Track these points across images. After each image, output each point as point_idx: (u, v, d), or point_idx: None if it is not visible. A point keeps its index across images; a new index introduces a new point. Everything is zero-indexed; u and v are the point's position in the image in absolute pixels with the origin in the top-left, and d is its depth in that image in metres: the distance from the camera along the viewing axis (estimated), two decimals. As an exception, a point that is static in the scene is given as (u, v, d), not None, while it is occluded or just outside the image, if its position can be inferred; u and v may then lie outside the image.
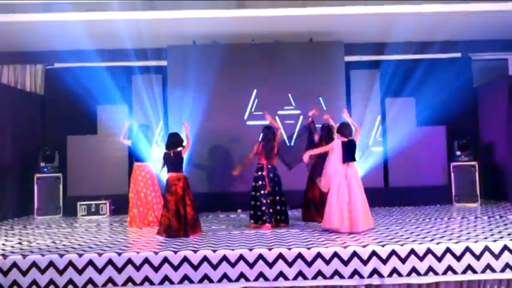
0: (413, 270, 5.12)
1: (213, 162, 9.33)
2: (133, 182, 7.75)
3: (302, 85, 9.39)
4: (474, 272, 5.12)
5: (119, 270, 5.10)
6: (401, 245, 5.23)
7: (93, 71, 9.82)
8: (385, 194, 9.26)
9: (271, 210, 6.89)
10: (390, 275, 5.11)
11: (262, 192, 6.91)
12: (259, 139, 7.29)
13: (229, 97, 9.41)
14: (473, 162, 9.16)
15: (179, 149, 6.63)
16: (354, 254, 5.14)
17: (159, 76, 9.68)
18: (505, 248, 5.16)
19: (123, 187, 9.14)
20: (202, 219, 7.95)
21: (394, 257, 5.13)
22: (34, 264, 5.12)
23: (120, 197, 8.91)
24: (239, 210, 8.90)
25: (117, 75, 9.71)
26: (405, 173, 9.38)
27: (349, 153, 6.49)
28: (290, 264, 5.12)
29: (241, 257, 5.14)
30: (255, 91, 9.44)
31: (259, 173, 6.99)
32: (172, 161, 6.56)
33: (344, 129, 6.61)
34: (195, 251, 5.20)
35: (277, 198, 7.02)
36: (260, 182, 6.95)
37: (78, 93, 9.62)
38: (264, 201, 6.89)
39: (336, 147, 6.51)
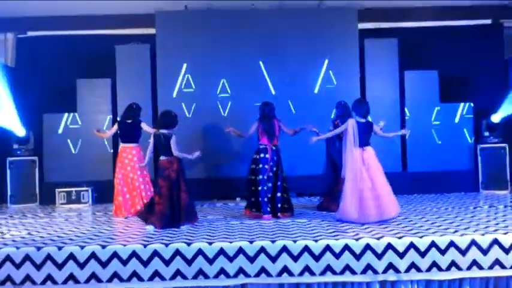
0: (434, 265, 5.15)
1: (208, 143, 9.33)
2: (119, 165, 7.77)
3: (309, 56, 9.35)
4: (503, 267, 5.15)
5: (104, 265, 5.14)
6: (421, 237, 5.27)
7: (71, 40, 9.75)
8: (403, 179, 9.26)
9: (265, 199, 6.93)
10: (408, 270, 5.14)
11: (261, 177, 6.93)
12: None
13: (228, 69, 9.38)
14: (503, 144, 9.17)
15: (170, 133, 6.61)
16: (367, 247, 5.16)
17: (146, 46, 9.62)
18: (538, 240, 5.19)
19: (107, 172, 9.17)
20: (197, 209, 7.99)
21: (412, 251, 5.16)
22: (8, 258, 5.15)
23: (103, 184, 8.95)
24: (238, 199, 8.94)
25: (99, 44, 9.64)
26: (426, 156, 9.39)
27: (365, 135, 6.45)
28: (295, 259, 5.16)
29: (240, 250, 5.17)
30: (260, 63, 9.39)
31: (262, 155, 7.00)
32: (162, 145, 6.59)
33: (360, 107, 6.55)
34: (188, 244, 5.24)
35: (279, 183, 7.03)
36: (261, 165, 6.97)
37: (54, 65, 9.59)
38: (260, 187, 6.92)
39: (350, 128, 6.43)
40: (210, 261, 5.16)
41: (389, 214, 6.28)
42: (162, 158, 6.63)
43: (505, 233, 5.30)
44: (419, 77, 9.58)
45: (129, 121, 7.77)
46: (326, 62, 9.39)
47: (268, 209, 6.93)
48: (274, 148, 7.04)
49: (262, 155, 7.01)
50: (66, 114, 9.44)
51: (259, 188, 6.94)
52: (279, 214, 6.96)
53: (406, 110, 9.55)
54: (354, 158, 6.38)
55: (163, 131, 6.59)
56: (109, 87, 9.51)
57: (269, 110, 7.14)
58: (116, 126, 7.92)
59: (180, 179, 6.52)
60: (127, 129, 7.77)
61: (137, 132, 7.81)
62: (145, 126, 7.75)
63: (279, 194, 7.03)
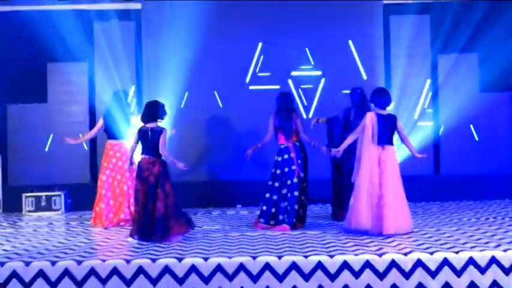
0: (472, 285, 5.14)
1: (203, 139, 9.35)
2: (104, 165, 7.78)
3: (324, 36, 9.34)
4: (554, 288, 5.16)
5: (79, 284, 5.13)
6: (456, 252, 5.27)
7: (41, 17, 9.74)
8: (436, 183, 9.30)
9: (296, 207, 6.90)
10: (441, 291, 5.15)
11: (290, 182, 6.92)
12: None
13: (225, 52, 9.37)
14: (556, 142, 9.18)
15: (159, 125, 6.60)
16: (393, 263, 5.16)
17: (130, 23, 9.64)
18: None
19: (84, 174, 9.20)
20: (191, 216, 8.00)
21: (446, 268, 5.15)
22: (-34, 275, 5.18)
23: (79, 187, 9.00)
24: (238, 206, 8.96)
25: (74, 22, 9.64)
26: (463, 156, 9.39)
27: (387, 131, 6.45)
28: (307, 277, 5.15)
29: (241, 267, 5.17)
30: (260, 44, 9.39)
31: (286, 156, 6.97)
32: (149, 141, 6.57)
33: (379, 97, 6.55)
34: (179, 259, 5.24)
35: (304, 184, 7.04)
36: (287, 169, 6.94)
37: (21, 47, 9.57)
38: (295, 192, 6.87)
39: (368, 122, 6.45)
40: (205, 280, 5.15)
41: (386, 230, 6.26)
42: (143, 156, 6.57)
43: (557, 248, 5.31)
44: (456, 61, 9.56)
45: (117, 112, 7.75)
46: (344, 43, 9.38)
47: (294, 219, 6.88)
48: (298, 144, 7.03)
49: (286, 156, 6.99)
50: (34, 105, 9.46)
51: (290, 194, 6.90)
52: (297, 224, 6.95)
53: (439, 100, 9.54)
54: (370, 157, 6.39)
55: (151, 125, 6.57)
56: (86, 73, 9.52)
57: (287, 101, 7.12)
58: (101, 122, 7.88)
59: (159, 185, 6.46)
60: (115, 122, 7.76)
61: (127, 124, 7.78)
62: (136, 120, 7.69)
63: (303, 198, 7.03)
